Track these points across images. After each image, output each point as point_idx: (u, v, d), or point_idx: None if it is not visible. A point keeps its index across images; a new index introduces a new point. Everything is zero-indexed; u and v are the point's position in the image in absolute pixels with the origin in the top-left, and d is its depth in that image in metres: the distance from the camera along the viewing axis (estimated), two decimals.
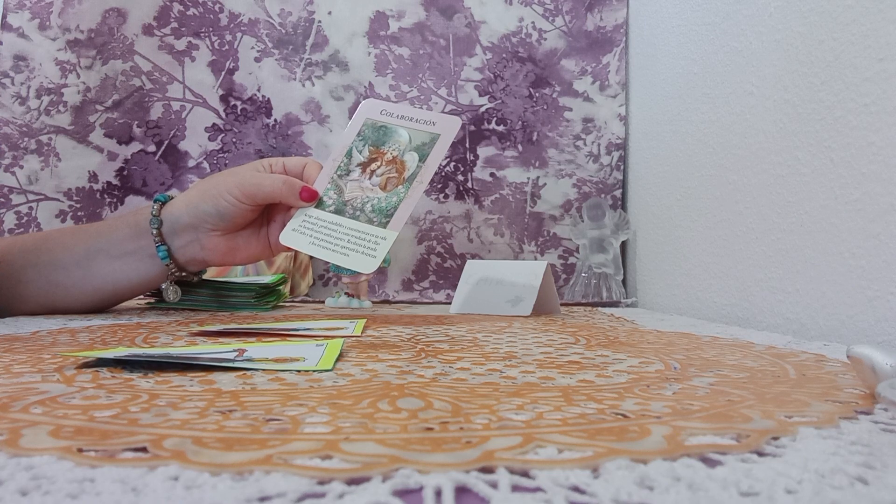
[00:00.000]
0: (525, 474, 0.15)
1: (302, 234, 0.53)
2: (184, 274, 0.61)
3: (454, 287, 0.84)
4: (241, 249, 0.60)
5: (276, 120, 1.09)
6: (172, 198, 0.59)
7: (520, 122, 1.10)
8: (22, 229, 0.98)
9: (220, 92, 1.09)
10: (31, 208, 0.99)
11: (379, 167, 0.54)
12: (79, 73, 1.02)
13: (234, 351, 0.32)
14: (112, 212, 1.05)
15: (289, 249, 0.57)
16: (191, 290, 0.68)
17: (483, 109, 1.11)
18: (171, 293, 0.61)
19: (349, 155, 0.55)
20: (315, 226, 0.53)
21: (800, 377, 0.29)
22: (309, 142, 1.09)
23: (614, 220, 1.01)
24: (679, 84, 0.87)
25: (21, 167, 0.98)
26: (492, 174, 1.10)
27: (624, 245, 1.04)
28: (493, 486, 0.14)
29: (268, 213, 0.61)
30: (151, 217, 0.57)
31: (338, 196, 0.53)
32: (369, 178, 0.54)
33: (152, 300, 0.70)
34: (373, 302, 0.88)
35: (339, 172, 0.55)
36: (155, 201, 0.58)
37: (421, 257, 1.08)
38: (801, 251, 0.59)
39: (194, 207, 0.57)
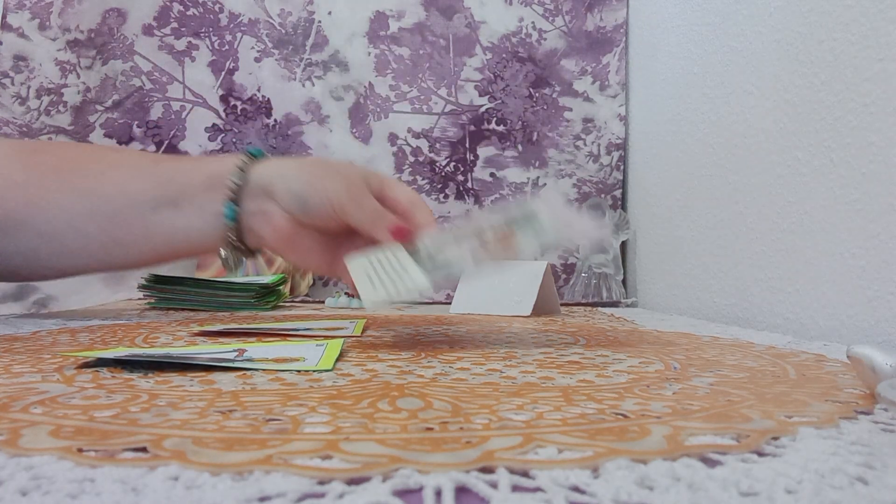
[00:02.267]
0: (525, 474, 0.15)
1: (366, 260, 0.45)
2: (238, 245, 0.53)
3: (454, 287, 0.84)
4: (302, 247, 0.52)
5: (276, 120, 1.09)
6: (266, 156, 0.51)
7: (520, 122, 1.10)
8: None
9: (220, 92, 1.09)
10: None
11: (491, 239, 0.45)
12: (79, 73, 1.02)
13: (234, 351, 0.32)
14: None
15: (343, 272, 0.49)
16: (191, 290, 0.68)
17: (483, 109, 1.11)
18: (233, 261, 0.53)
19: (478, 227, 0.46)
20: (383, 263, 0.44)
21: (800, 377, 0.29)
22: (309, 142, 1.09)
23: (614, 220, 1.01)
24: (679, 84, 0.87)
25: None
26: (492, 174, 1.10)
27: (624, 245, 1.04)
28: (493, 486, 0.14)
29: (350, 232, 0.51)
30: (236, 169, 0.49)
31: (433, 247, 0.45)
32: (473, 243, 0.46)
33: (152, 300, 0.70)
34: None
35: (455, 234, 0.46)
36: (248, 154, 0.50)
37: None
38: (801, 251, 0.59)
39: (285, 181, 0.49)
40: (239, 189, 0.49)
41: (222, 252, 0.53)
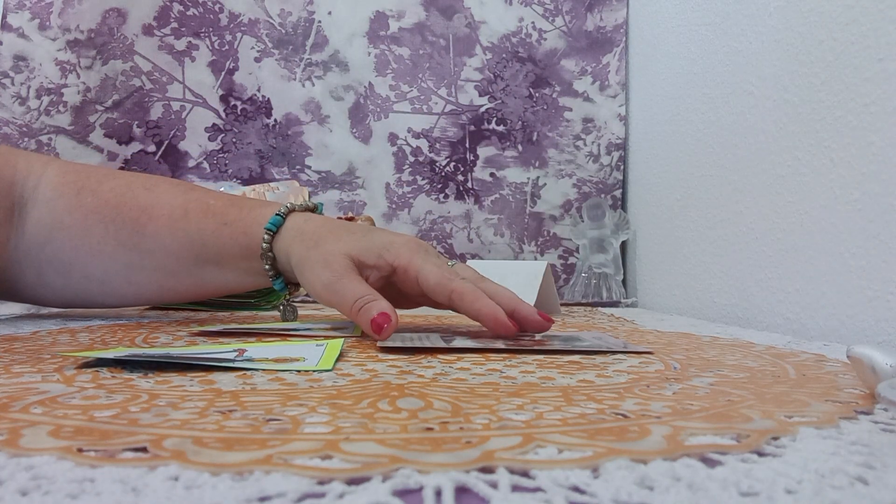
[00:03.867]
0: (525, 474, 0.15)
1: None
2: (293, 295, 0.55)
3: None
4: None
5: (276, 120, 1.09)
6: (285, 219, 0.49)
7: (520, 122, 1.10)
8: None
9: (220, 92, 1.09)
10: None
11: None
12: (79, 74, 1.02)
13: (234, 351, 0.32)
14: None
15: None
16: None
17: (483, 109, 1.11)
18: (290, 313, 0.55)
19: None
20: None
21: (800, 377, 0.29)
22: (309, 142, 1.09)
23: (614, 220, 1.01)
24: (679, 84, 0.87)
25: None
26: (492, 174, 1.10)
27: (624, 245, 1.04)
28: (493, 486, 0.14)
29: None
30: (262, 252, 0.48)
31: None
32: None
33: None
34: None
35: None
36: (267, 230, 0.48)
37: None
38: (801, 251, 0.59)
39: (294, 272, 0.47)
40: (275, 268, 0.49)
41: (281, 308, 0.55)
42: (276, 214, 0.49)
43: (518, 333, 0.41)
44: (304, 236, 0.47)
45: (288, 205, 0.50)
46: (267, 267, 0.48)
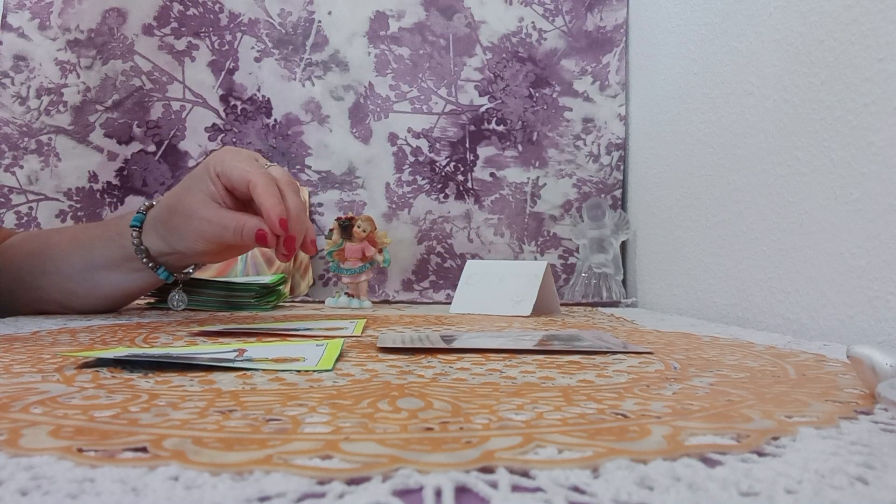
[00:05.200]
0: (525, 474, 0.15)
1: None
2: (188, 271, 0.61)
3: (454, 287, 0.84)
4: (236, 249, 0.56)
5: (276, 120, 1.09)
6: (146, 215, 0.55)
7: (520, 122, 1.10)
8: (22, 229, 0.98)
9: (220, 92, 1.09)
10: (31, 208, 0.99)
11: None
12: (79, 73, 1.02)
13: (234, 351, 0.32)
14: (112, 212, 1.04)
15: None
16: (191, 290, 0.68)
17: (483, 109, 1.11)
18: (177, 301, 0.62)
19: None
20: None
21: (800, 377, 0.29)
22: (309, 142, 1.09)
23: (614, 220, 1.01)
24: (679, 84, 0.87)
25: (21, 167, 0.98)
26: (492, 174, 1.10)
27: (624, 245, 1.04)
28: (493, 486, 0.14)
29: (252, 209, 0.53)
30: (135, 248, 0.54)
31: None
32: None
33: (153, 300, 0.70)
34: (373, 302, 0.88)
35: None
36: (132, 226, 0.54)
37: (421, 257, 1.08)
38: (801, 251, 0.59)
39: (171, 245, 0.54)
40: (152, 259, 0.55)
41: (170, 296, 0.62)
42: (138, 212, 0.55)
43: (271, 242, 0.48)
44: (158, 216, 0.54)
45: (148, 202, 0.57)
46: (144, 260, 0.54)
